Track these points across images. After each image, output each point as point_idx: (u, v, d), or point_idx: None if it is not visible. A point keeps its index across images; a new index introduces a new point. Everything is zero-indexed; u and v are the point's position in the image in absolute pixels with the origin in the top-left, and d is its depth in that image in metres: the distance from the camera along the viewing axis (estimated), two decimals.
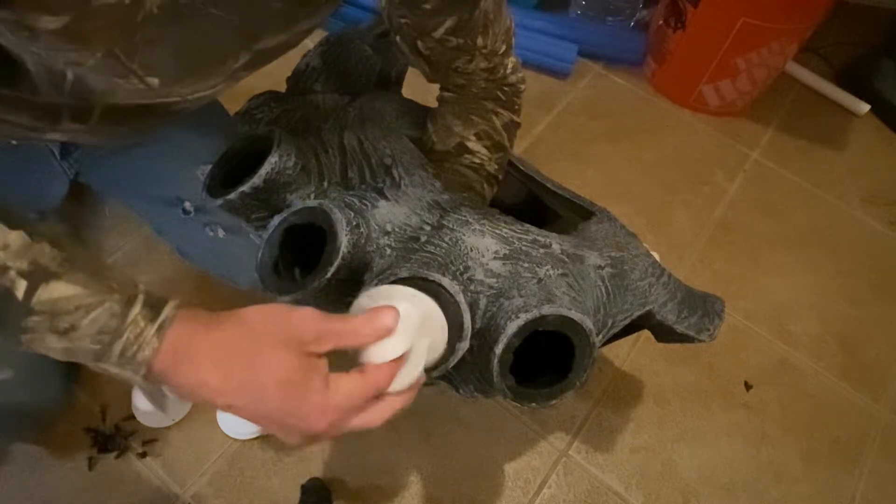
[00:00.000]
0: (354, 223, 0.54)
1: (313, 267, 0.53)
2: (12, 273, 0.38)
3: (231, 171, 0.60)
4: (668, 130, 1.30)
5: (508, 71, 0.67)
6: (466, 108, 0.68)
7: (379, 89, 0.77)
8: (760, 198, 1.21)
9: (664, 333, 0.69)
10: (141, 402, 0.81)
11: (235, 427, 0.84)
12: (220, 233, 0.72)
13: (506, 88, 0.68)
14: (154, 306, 0.41)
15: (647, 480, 0.89)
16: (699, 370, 0.99)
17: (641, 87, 1.36)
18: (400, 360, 0.45)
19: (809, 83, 1.40)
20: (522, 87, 0.70)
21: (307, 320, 0.43)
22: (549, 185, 0.74)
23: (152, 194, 0.73)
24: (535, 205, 0.77)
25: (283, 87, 0.78)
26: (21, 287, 0.38)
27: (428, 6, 0.56)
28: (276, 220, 0.55)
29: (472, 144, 0.68)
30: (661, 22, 1.29)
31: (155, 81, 0.45)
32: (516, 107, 0.70)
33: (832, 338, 1.05)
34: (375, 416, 0.45)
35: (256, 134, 0.61)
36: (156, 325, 0.40)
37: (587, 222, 0.68)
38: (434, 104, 0.72)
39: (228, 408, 0.42)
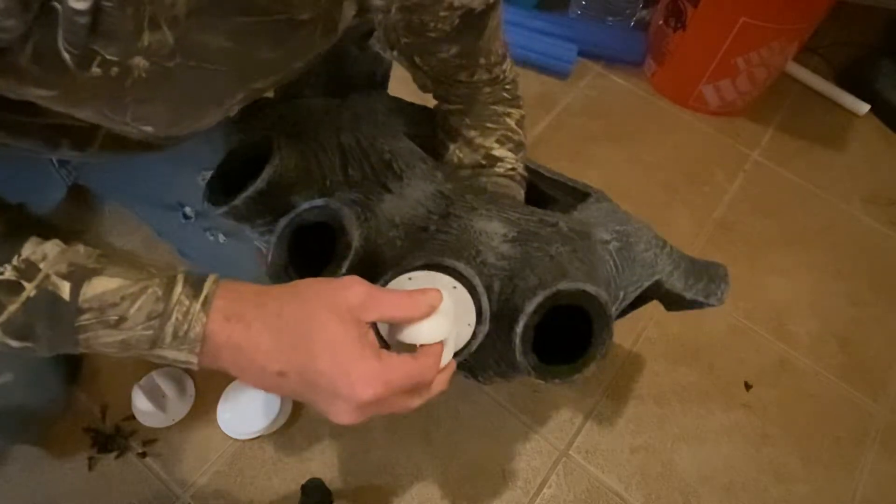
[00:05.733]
0: (363, 217, 0.54)
1: (319, 267, 0.53)
2: (54, 278, 0.39)
3: (230, 178, 0.60)
4: (668, 130, 1.29)
5: (507, 73, 0.67)
6: (478, 117, 0.67)
7: (366, 89, 0.77)
8: (760, 198, 1.21)
9: (674, 302, 0.70)
10: (141, 402, 0.81)
11: (235, 427, 0.84)
12: (221, 237, 0.72)
13: (508, 87, 0.68)
14: (195, 284, 0.41)
15: (647, 480, 0.89)
16: (699, 370, 0.99)
17: (641, 87, 1.36)
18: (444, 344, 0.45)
19: (809, 83, 1.40)
20: (518, 78, 0.69)
21: (354, 286, 0.42)
22: (542, 170, 0.74)
23: (152, 199, 0.73)
24: (528, 191, 0.77)
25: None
26: (65, 288, 0.39)
27: (433, 34, 0.56)
28: (284, 221, 0.55)
29: (498, 151, 0.67)
30: (661, 22, 1.29)
31: (150, 129, 0.45)
32: (520, 101, 0.70)
33: (832, 338, 1.05)
34: (416, 400, 0.44)
35: (253, 140, 0.61)
36: (200, 300, 0.41)
37: (586, 202, 0.68)
38: (431, 104, 0.72)
39: (280, 375, 0.41)
